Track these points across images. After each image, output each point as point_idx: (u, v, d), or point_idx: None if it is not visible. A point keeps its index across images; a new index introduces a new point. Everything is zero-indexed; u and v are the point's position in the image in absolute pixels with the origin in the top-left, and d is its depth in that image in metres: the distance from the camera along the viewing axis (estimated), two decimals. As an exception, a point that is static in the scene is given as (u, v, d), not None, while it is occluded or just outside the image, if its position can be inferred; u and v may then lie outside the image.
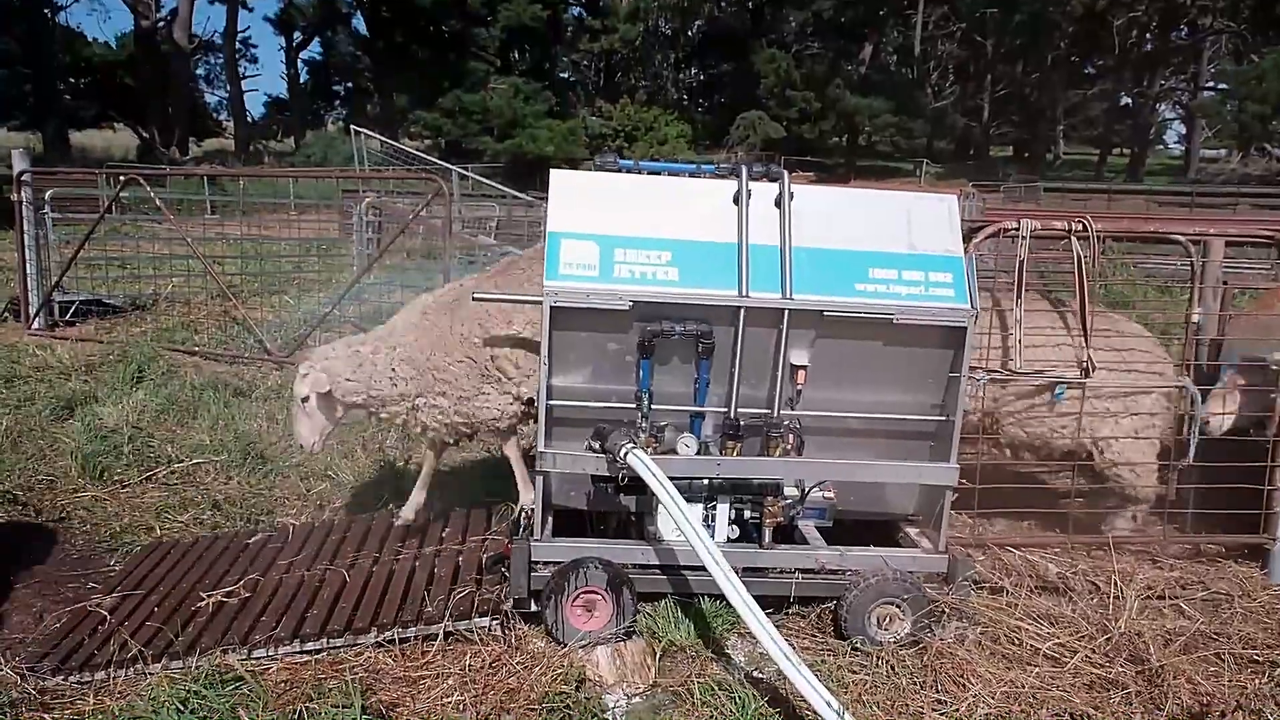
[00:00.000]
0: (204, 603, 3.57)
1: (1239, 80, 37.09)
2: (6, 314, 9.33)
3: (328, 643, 3.29)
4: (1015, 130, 53.37)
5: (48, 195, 9.37)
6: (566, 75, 51.11)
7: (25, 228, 8.80)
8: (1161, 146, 57.68)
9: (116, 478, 5.06)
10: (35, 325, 8.81)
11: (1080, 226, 3.71)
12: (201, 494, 4.88)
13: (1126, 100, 49.30)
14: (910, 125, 45.68)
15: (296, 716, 2.86)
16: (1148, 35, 45.88)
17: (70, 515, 4.65)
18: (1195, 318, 4.73)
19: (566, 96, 46.35)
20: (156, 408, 6.10)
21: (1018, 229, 3.72)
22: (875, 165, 47.11)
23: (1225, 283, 5.13)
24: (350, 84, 52.70)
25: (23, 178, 8.80)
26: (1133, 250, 10.97)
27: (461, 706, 2.97)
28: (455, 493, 4.89)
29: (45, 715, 2.89)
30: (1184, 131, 49.84)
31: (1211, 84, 44.24)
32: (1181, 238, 4.25)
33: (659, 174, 3.57)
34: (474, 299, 3.63)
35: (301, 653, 3.26)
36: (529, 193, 18.31)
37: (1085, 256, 3.80)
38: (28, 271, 8.85)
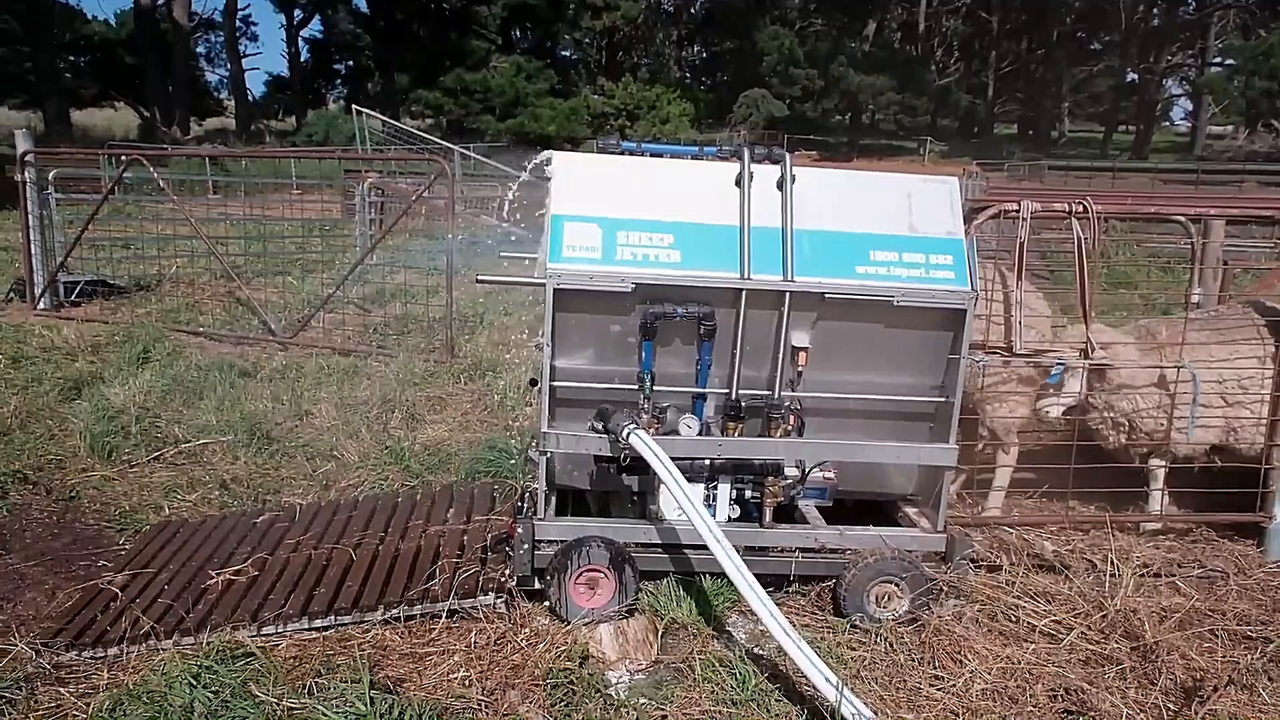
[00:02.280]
0: (213, 581, 3.63)
1: (1246, 56, 36.79)
2: (12, 294, 9.37)
3: (335, 620, 3.34)
4: (1020, 107, 53.03)
5: (51, 176, 9.37)
6: (568, 53, 50.83)
7: (29, 208, 8.82)
8: (1167, 123, 57.29)
9: (124, 457, 5.11)
10: (41, 306, 8.85)
11: (1081, 208, 3.72)
12: (209, 474, 4.93)
13: (1132, 76, 48.92)
14: (914, 103, 45.46)
15: (306, 691, 2.92)
16: (1154, 10, 45.45)
17: (80, 494, 4.71)
18: (1195, 298, 4.76)
19: (568, 75, 46.11)
20: (163, 388, 6.14)
21: (1018, 210, 3.73)
22: (878, 144, 46.88)
23: (1225, 263, 5.15)
24: (351, 62, 52.39)
25: (26, 158, 8.80)
26: (1136, 230, 10.95)
27: (467, 682, 3.03)
28: (451, 472, 4.96)
29: (61, 689, 2.95)
30: (1190, 108, 49.52)
31: (1219, 60, 43.87)
32: (1181, 218, 4.26)
33: (661, 156, 3.58)
34: (477, 281, 3.66)
35: (310, 629, 3.31)
36: (530, 173, 18.22)
37: (1086, 237, 3.82)
38: (32, 252, 8.87)
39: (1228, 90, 39.33)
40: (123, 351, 7.09)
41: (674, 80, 50.89)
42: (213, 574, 3.68)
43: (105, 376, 6.47)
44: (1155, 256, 11.09)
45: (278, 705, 2.84)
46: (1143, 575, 3.85)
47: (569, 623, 3.36)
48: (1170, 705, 3.02)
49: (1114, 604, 3.51)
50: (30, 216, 8.83)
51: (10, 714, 2.85)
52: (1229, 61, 41.85)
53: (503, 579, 3.49)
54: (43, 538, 4.29)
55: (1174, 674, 3.15)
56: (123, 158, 9.65)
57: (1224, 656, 3.29)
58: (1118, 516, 4.35)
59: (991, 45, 51.77)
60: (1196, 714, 2.93)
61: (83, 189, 11.20)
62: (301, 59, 52.39)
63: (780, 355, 3.43)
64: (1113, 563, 3.83)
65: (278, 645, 3.21)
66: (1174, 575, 3.92)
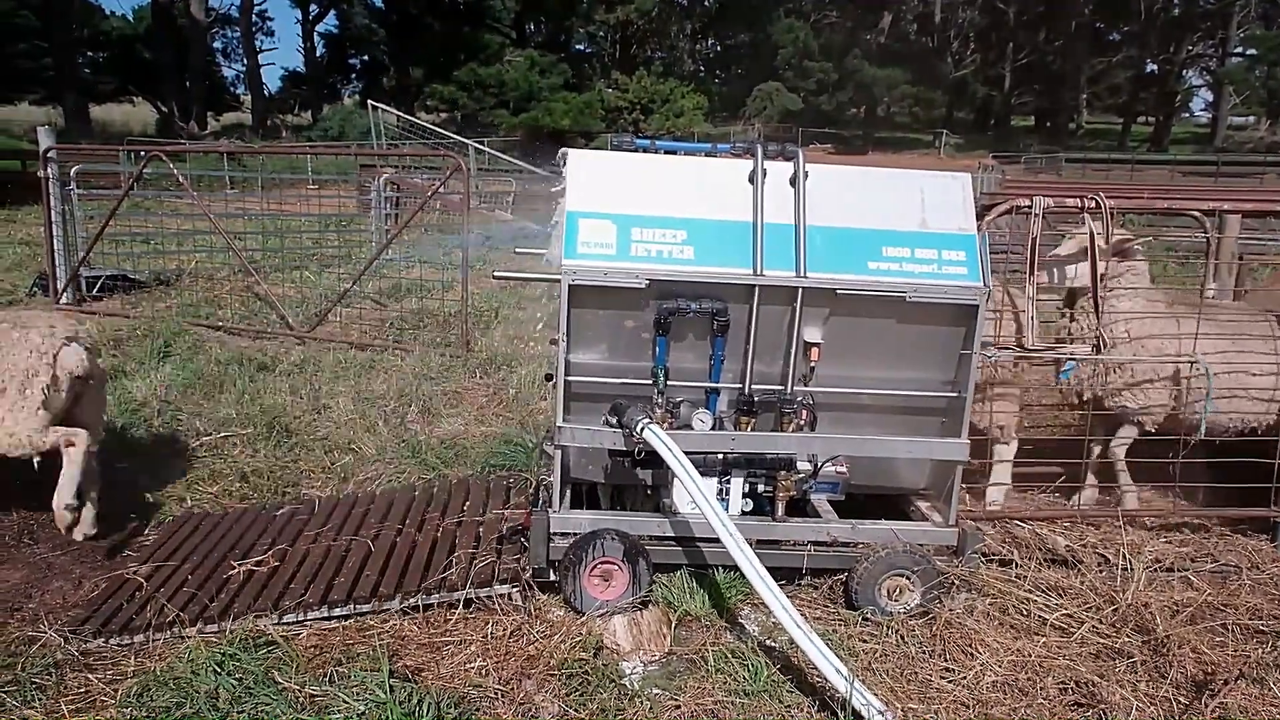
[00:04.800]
0: (235, 571, 3.70)
1: (1268, 46, 36.36)
2: (35, 289, 9.49)
3: (354, 609, 3.41)
4: (1037, 99, 52.57)
5: (73, 172, 9.49)
6: (582, 47, 50.77)
7: (52, 204, 8.93)
8: (1187, 115, 56.65)
9: (147, 450, 5.20)
10: (63, 300, 8.98)
11: (1094, 203, 3.72)
12: (229, 466, 5.01)
13: (1152, 67, 48.41)
14: (930, 95, 45.17)
15: (327, 679, 2.98)
16: (1174, 0, 44.89)
17: (104, 486, 4.79)
18: (1210, 293, 4.74)
19: (582, 69, 46.08)
20: (183, 382, 6.24)
21: (1030, 206, 3.74)
22: (894, 137, 46.61)
23: (1241, 257, 5.13)
24: (366, 57, 52.62)
25: (49, 154, 8.91)
26: (1153, 223, 10.87)
27: (484, 671, 3.09)
28: (467, 465, 5.02)
29: (90, 676, 3.03)
30: (1211, 99, 48.96)
31: (1240, 50, 43.31)
32: (1196, 213, 4.24)
33: (675, 153, 3.61)
34: (494, 277, 3.71)
35: (329, 618, 3.38)
36: (545, 167, 18.29)
37: (1099, 233, 3.82)
38: (55, 247, 8.99)
39: (1249, 81, 38.91)
40: (144, 346, 7.19)
41: (688, 74, 50.80)
42: (234, 564, 3.75)
43: (127, 370, 6.57)
44: (1172, 250, 11.01)
45: (300, 692, 2.90)
46: (1155, 570, 3.86)
47: (583, 614, 3.42)
48: (1181, 699, 3.04)
49: (1125, 598, 3.53)
50: (53, 212, 8.94)
51: (40, 699, 2.93)
52: (1250, 52, 41.36)
53: (518, 569, 3.54)
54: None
55: (1185, 668, 3.17)
56: (142, 153, 9.75)
57: (1235, 651, 3.30)
58: (1130, 510, 4.36)
59: (1008, 37, 51.34)
60: (1207, 708, 2.95)
61: (103, 184, 11.32)
62: (317, 54, 52.65)
63: (793, 350, 3.46)
64: (1125, 557, 3.84)
65: (299, 634, 3.28)
66: (1186, 570, 3.93)
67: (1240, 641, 3.38)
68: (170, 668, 3.01)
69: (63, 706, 2.87)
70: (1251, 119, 45.82)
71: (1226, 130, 44.38)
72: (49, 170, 8.90)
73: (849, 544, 3.60)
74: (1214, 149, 38.12)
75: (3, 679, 3.00)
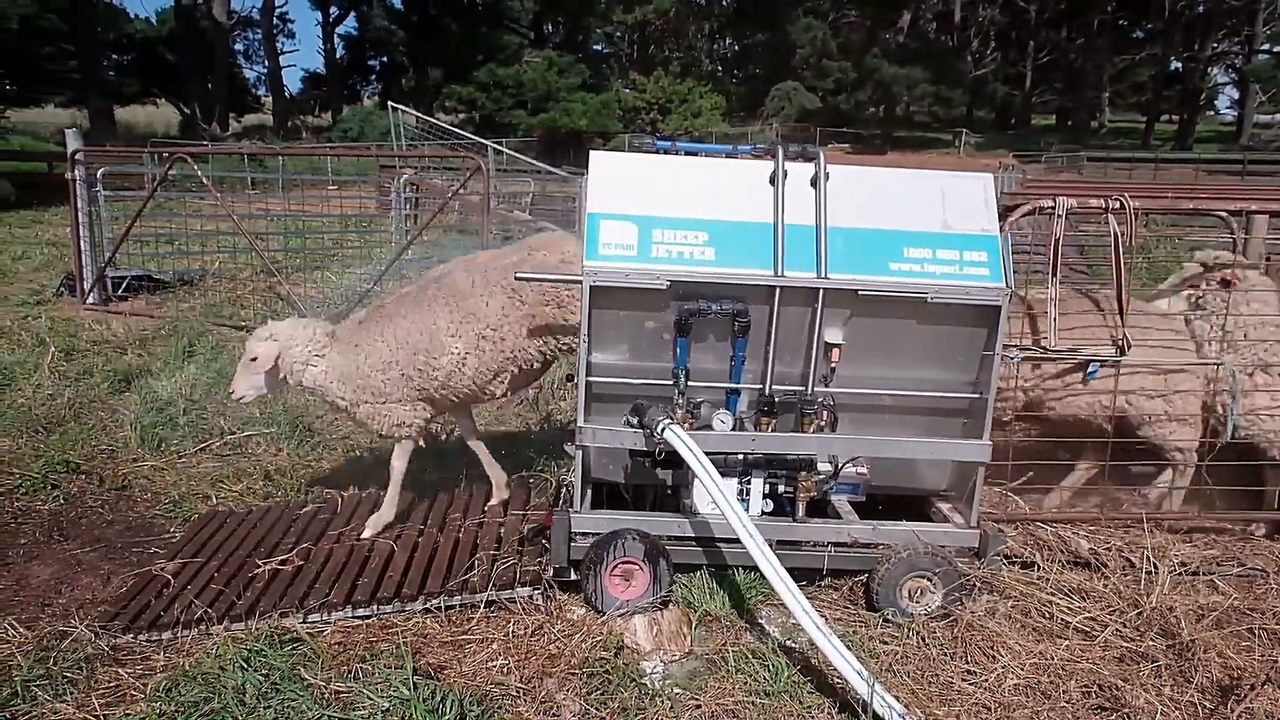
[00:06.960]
0: (261, 569, 3.74)
1: (1295, 43, 35.77)
2: (62, 289, 9.63)
3: (378, 609, 3.44)
4: (1058, 98, 52.07)
5: (100, 173, 9.61)
6: (600, 47, 50.85)
7: (79, 205, 9.05)
8: (1212, 112, 55.92)
9: (173, 448, 5.27)
10: (90, 300, 9.10)
11: (1117, 204, 3.69)
12: (253, 465, 5.07)
13: (1176, 65, 47.82)
14: (949, 94, 44.81)
15: (352, 676, 3.02)
16: (1199, -4, 44.30)
17: (131, 484, 4.87)
18: (1236, 294, 4.68)
19: (600, 69, 46.14)
20: (207, 381, 6.31)
21: (1053, 207, 3.71)
22: (913, 136, 46.31)
23: (1269, 258, 5.07)
24: (385, 58, 52.97)
25: (76, 156, 9.03)
26: (1178, 223, 10.75)
27: (505, 670, 3.11)
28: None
29: (120, 670, 3.08)
30: (1236, 96, 48.29)
31: (1266, 47, 42.66)
32: (1223, 213, 4.20)
33: (695, 155, 3.62)
34: (515, 278, 3.73)
35: (354, 618, 3.42)
36: (563, 167, 18.34)
37: (1123, 234, 3.79)
38: (82, 248, 9.11)
39: (1275, 78, 38.35)
40: (169, 345, 7.28)
41: (706, 73, 50.75)
42: (259, 562, 3.80)
43: (153, 370, 6.66)
44: (1197, 251, 10.88)
45: (325, 689, 2.94)
46: (1180, 573, 3.82)
47: (604, 614, 3.43)
48: (1206, 703, 3.01)
49: (1150, 601, 3.50)
50: (79, 213, 9.06)
51: (71, 693, 2.98)
52: (1277, 49, 40.77)
53: (539, 570, 3.56)
54: (97, 525, 4.45)
55: (1210, 672, 3.14)
56: (166, 155, 9.86)
57: (1262, 655, 3.27)
58: (1155, 513, 4.31)
59: (1029, 34, 50.89)
60: (1232, 712, 2.92)
61: (128, 185, 11.47)
62: (337, 55, 53.03)
63: (813, 351, 3.46)
64: (1149, 560, 3.81)
65: (323, 632, 3.31)
66: (1212, 573, 3.89)
67: (1267, 646, 3.35)
68: (198, 663, 3.06)
69: (93, 700, 2.92)
70: (1278, 116, 45.15)
71: (1252, 128, 43.77)
72: (76, 172, 9.02)
73: (870, 545, 3.60)
74: (1240, 147, 37.59)
75: (35, 673, 3.06)
